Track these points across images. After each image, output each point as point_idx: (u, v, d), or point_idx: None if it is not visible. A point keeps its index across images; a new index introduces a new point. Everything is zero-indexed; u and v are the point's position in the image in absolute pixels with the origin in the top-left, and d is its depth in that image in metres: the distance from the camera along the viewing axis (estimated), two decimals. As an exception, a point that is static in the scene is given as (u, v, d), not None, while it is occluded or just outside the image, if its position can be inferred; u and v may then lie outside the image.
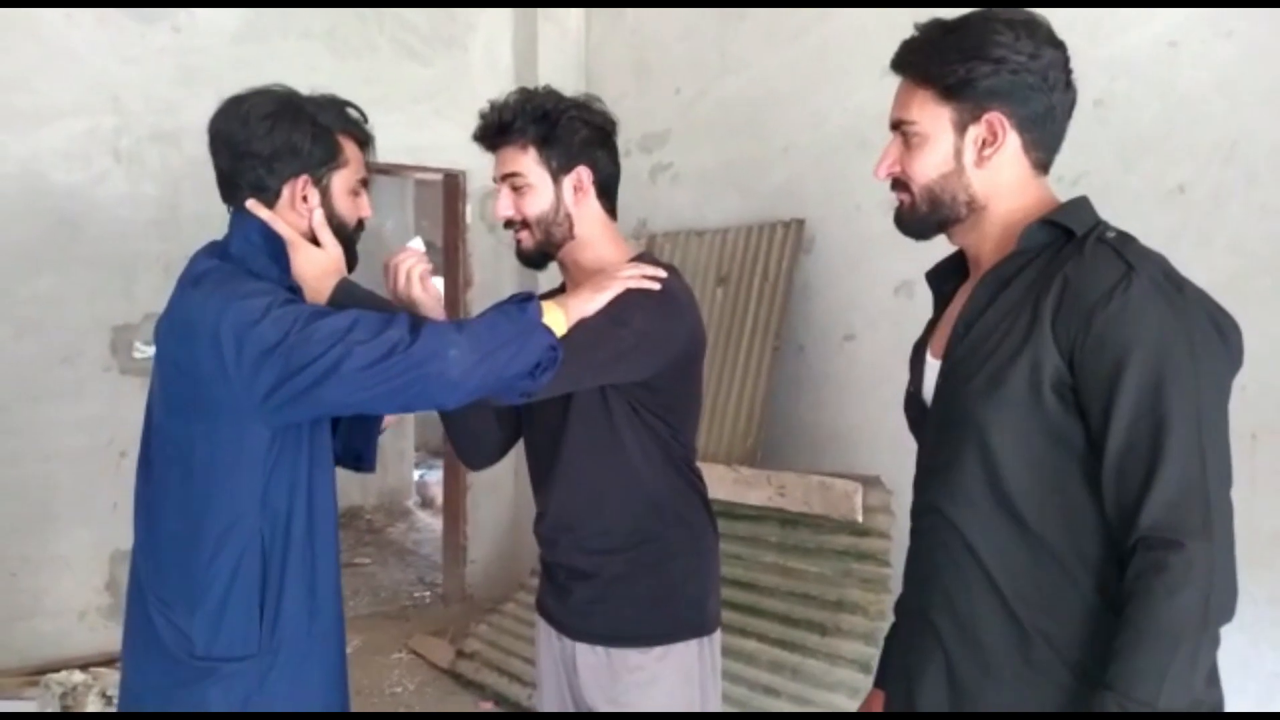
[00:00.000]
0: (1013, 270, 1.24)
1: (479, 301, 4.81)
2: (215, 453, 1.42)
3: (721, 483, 3.27)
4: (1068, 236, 1.21)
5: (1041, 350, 1.15)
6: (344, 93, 5.01)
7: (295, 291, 1.50)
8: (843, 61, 3.43)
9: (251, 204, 1.52)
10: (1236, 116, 2.34)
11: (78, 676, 3.67)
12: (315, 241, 1.57)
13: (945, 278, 1.45)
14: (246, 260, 1.50)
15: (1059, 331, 1.14)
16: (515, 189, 1.67)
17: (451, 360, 1.35)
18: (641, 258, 1.71)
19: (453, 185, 4.82)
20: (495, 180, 1.71)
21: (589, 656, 1.70)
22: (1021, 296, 1.20)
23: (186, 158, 3.81)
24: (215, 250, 1.54)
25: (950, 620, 1.25)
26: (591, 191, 1.69)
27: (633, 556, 1.68)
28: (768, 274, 3.57)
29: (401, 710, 3.77)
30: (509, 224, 1.71)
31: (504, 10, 4.80)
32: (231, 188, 1.55)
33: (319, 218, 1.55)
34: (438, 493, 6.55)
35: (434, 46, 4.63)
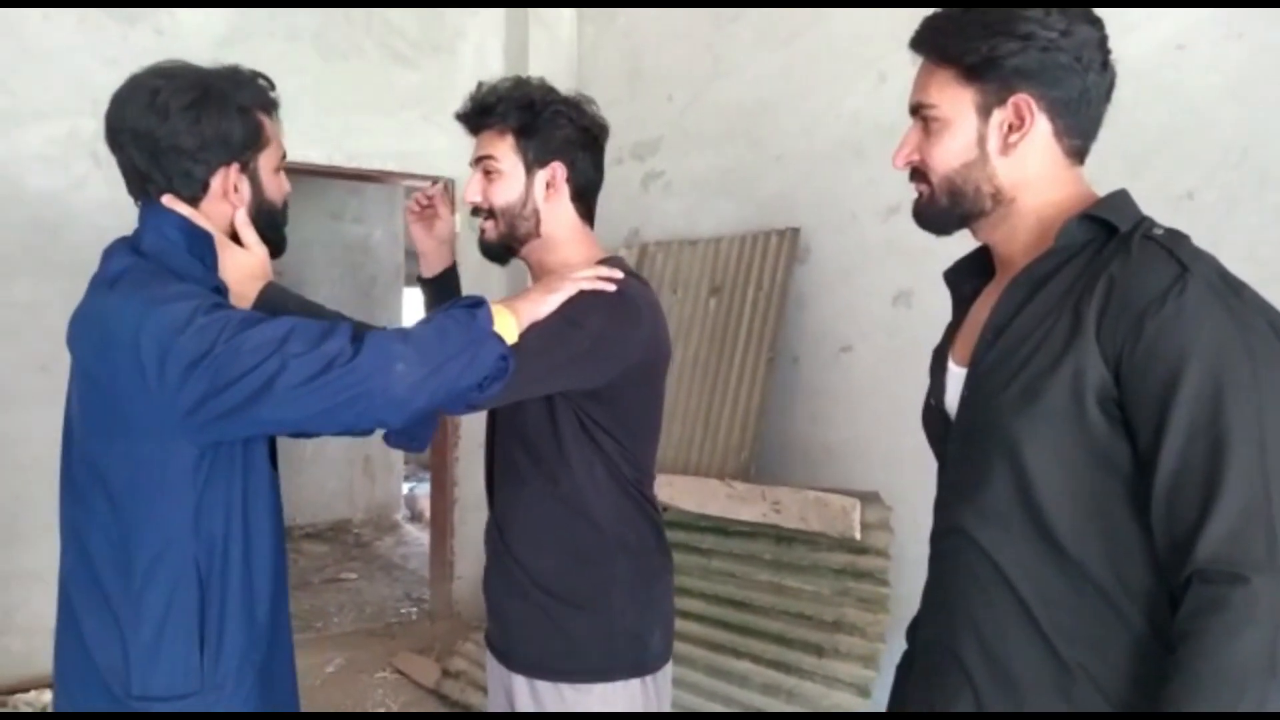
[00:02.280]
0: (1049, 269, 1.13)
1: (468, 311, 4.72)
2: (137, 474, 1.30)
3: (714, 498, 3.18)
4: (1109, 233, 1.11)
5: (1085, 358, 1.04)
6: (331, 97, 4.89)
7: (222, 292, 1.39)
8: (837, 67, 3.36)
9: (168, 200, 1.40)
10: (1247, 120, 2.27)
11: (48, 696, 3.56)
12: (236, 240, 1.46)
13: (965, 277, 1.34)
14: (164, 257, 1.37)
15: (1104, 338, 1.04)
16: (487, 174, 1.62)
17: (398, 375, 1.23)
18: (609, 262, 1.62)
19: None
20: (471, 164, 1.65)
21: (524, 688, 1.60)
22: (1060, 299, 1.10)
23: (168, 162, 3.72)
24: (128, 246, 1.41)
25: (979, 653, 1.14)
26: (565, 191, 1.63)
27: (570, 583, 1.58)
28: (762, 284, 3.49)
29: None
30: (476, 211, 1.65)
31: (495, 15, 4.73)
32: (144, 182, 1.42)
33: (242, 217, 1.45)
34: (426, 506, 6.45)
35: (423, 51, 4.56)
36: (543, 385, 1.49)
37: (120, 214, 4.18)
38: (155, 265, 1.36)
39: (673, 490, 3.26)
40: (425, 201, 1.76)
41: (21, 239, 3.70)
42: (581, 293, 1.49)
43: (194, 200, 1.42)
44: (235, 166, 1.43)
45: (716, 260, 3.72)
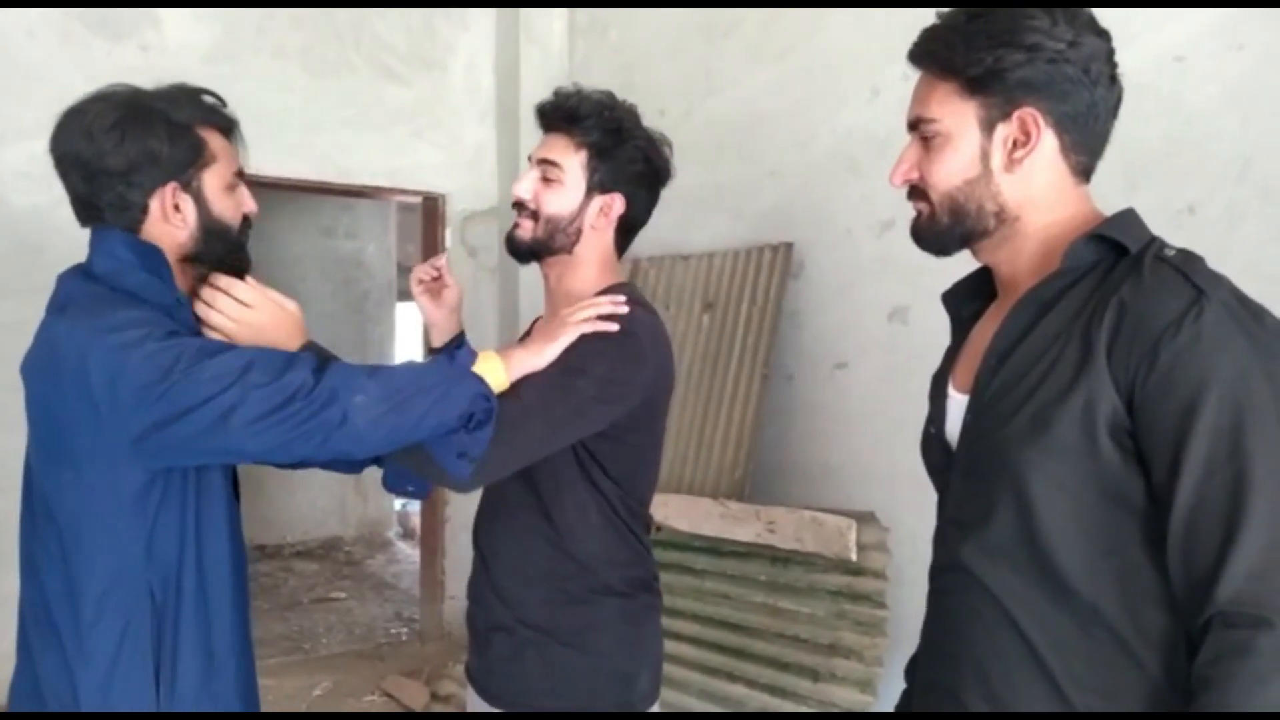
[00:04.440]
0: (1055, 292, 1.08)
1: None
2: (87, 504, 1.27)
3: (708, 518, 3.13)
4: (1118, 254, 1.06)
5: (1096, 388, 0.99)
6: (320, 113, 4.82)
7: (183, 304, 1.35)
8: (831, 81, 3.33)
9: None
10: (1249, 132, 2.23)
11: (29, 724, 3.48)
12: (233, 269, 1.43)
13: (964, 300, 1.29)
14: (117, 278, 1.33)
15: (1116, 366, 0.98)
16: (546, 179, 1.57)
17: (356, 407, 1.21)
18: (618, 289, 1.58)
19: (432, 209, 4.69)
20: (530, 158, 1.60)
21: None
22: (1067, 324, 1.04)
23: (153, 179, 3.68)
24: (80, 273, 1.37)
25: (984, 700, 1.08)
26: (614, 224, 1.59)
27: (556, 620, 1.53)
28: (756, 299, 3.45)
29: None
30: (518, 205, 1.59)
31: (485, 31, 4.70)
32: (90, 210, 1.38)
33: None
34: (419, 523, 6.39)
35: (413, 67, 4.52)
36: (555, 439, 1.44)
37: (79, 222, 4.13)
38: (106, 289, 1.32)
39: (666, 509, 3.21)
40: (434, 274, 1.69)
41: (3, 258, 3.64)
42: (582, 336, 1.45)
43: (135, 226, 1.36)
44: (173, 186, 1.37)
45: (710, 275, 3.68)
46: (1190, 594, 0.96)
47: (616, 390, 1.45)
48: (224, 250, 1.43)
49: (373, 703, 4.02)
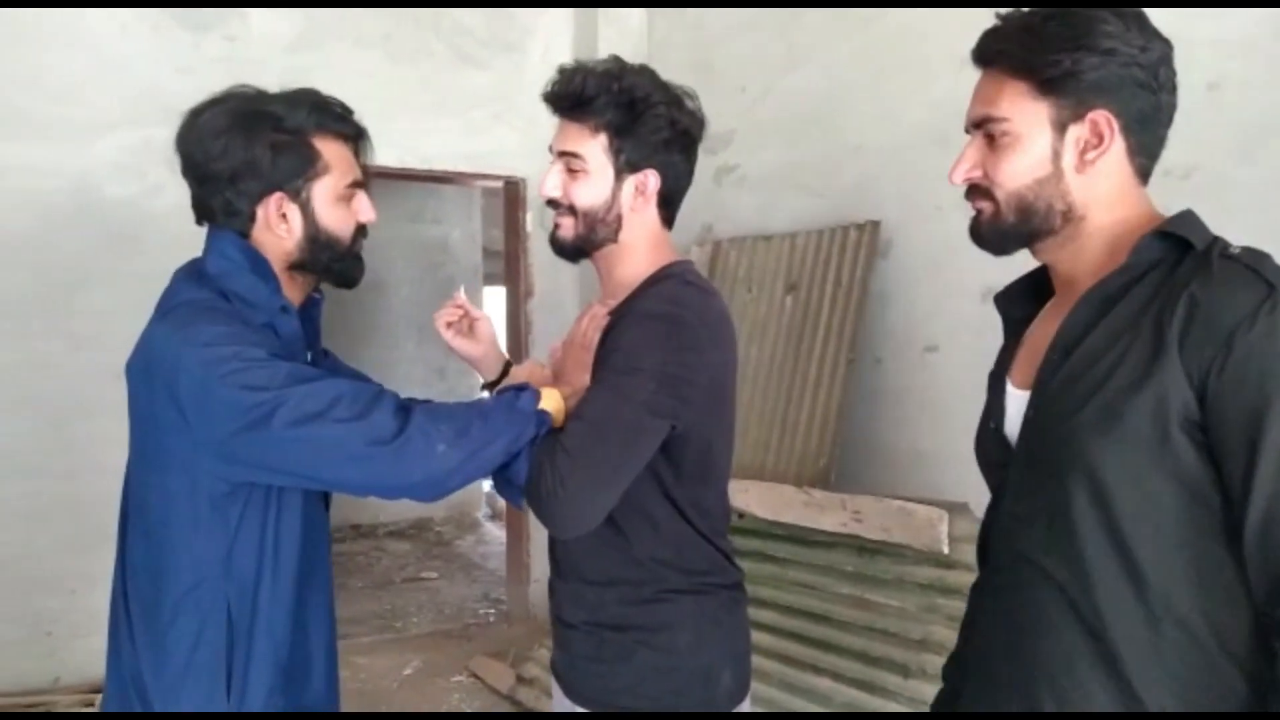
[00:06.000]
0: (1118, 287, 1.07)
1: (539, 312, 4.67)
2: (170, 508, 1.29)
3: (791, 506, 3.05)
4: (1180, 252, 1.05)
5: (1169, 381, 0.98)
6: (401, 99, 4.84)
7: (287, 313, 1.37)
8: (917, 51, 3.19)
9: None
10: (1381, 96, 2.05)
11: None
12: (341, 278, 1.46)
13: (1018, 302, 1.30)
14: (227, 279, 1.35)
15: (1189, 358, 0.98)
16: (571, 171, 1.47)
17: (439, 456, 1.24)
18: (673, 266, 1.50)
19: (513, 193, 4.69)
20: (551, 150, 1.50)
21: None
22: (1134, 318, 1.04)
23: (240, 169, 3.76)
24: (194, 270, 1.39)
25: (1051, 697, 1.07)
26: (653, 199, 1.49)
27: (633, 620, 1.47)
28: (841, 280, 3.34)
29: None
30: (552, 203, 1.50)
31: (563, 13, 4.67)
32: (203, 210, 1.39)
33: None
34: (505, 505, 6.44)
35: (491, 51, 4.51)
36: (630, 449, 1.36)
37: (193, 220, 4.26)
38: (214, 292, 1.34)
39: (747, 497, 3.14)
40: (458, 313, 1.63)
41: (99, 247, 3.76)
42: (636, 330, 1.39)
43: (245, 230, 1.38)
44: (279, 196, 1.36)
45: (793, 256, 3.58)
46: (1269, 593, 0.95)
47: (676, 380, 1.37)
48: (330, 260, 1.43)
49: (461, 683, 4.06)
